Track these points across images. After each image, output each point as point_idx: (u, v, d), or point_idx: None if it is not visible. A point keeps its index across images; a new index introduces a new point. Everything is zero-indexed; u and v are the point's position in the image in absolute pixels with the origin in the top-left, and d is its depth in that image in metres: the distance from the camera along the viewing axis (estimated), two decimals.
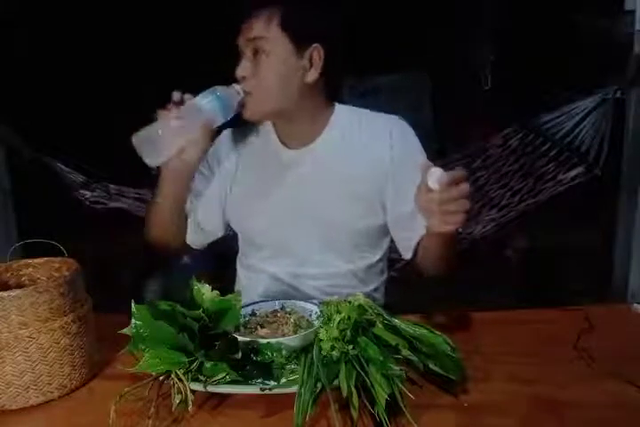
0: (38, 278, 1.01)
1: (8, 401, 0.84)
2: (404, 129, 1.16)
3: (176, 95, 1.03)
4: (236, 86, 1.06)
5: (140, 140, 1.00)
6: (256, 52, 1.05)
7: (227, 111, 1.06)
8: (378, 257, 1.23)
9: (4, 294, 0.81)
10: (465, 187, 0.86)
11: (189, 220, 1.23)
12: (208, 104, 1.03)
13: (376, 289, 1.26)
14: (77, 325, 0.89)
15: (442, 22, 3.78)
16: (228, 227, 1.28)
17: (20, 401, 0.85)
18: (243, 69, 1.06)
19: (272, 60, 1.05)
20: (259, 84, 1.06)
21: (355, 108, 1.20)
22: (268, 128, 1.21)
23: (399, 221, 1.16)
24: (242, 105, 1.08)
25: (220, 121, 1.06)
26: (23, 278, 1.00)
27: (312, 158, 1.16)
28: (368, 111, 1.20)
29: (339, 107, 1.18)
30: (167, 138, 1.02)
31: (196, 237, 1.25)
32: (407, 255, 1.18)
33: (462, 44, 3.85)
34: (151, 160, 1.02)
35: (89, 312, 0.93)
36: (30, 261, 1.01)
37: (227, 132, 1.26)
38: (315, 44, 1.06)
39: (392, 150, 1.13)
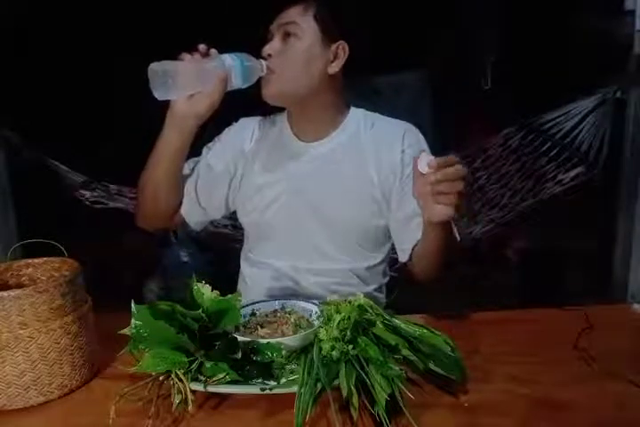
0: (38, 278, 1.01)
1: (8, 401, 0.84)
2: (416, 135, 1.20)
3: (202, 46, 1.05)
4: (263, 62, 1.09)
5: (154, 70, 1.00)
6: (286, 36, 1.10)
7: (245, 78, 1.06)
8: (380, 258, 1.25)
9: (4, 293, 0.81)
10: (456, 168, 0.86)
11: (187, 188, 1.22)
12: (231, 64, 1.04)
13: (378, 289, 1.27)
14: (77, 325, 0.89)
15: (442, 22, 3.78)
16: (227, 210, 1.28)
17: (20, 401, 0.85)
18: (271, 47, 1.10)
19: (300, 44, 1.10)
20: (283, 63, 1.10)
21: (369, 111, 1.24)
22: (283, 121, 1.24)
23: (400, 222, 1.17)
24: (260, 84, 1.11)
25: (235, 85, 1.06)
26: (23, 278, 1.00)
27: (322, 153, 1.18)
28: (381, 115, 1.23)
29: (354, 109, 1.22)
30: (180, 77, 1.01)
31: (192, 211, 1.24)
32: (404, 258, 1.19)
33: (462, 44, 3.84)
34: (159, 94, 1.01)
35: (89, 312, 0.93)
36: (30, 261, 1.01)
37: (243, 120, 1.29)
38: (341, 41, 1.12)
39: (403, 154, 1.16)
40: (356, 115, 1.21)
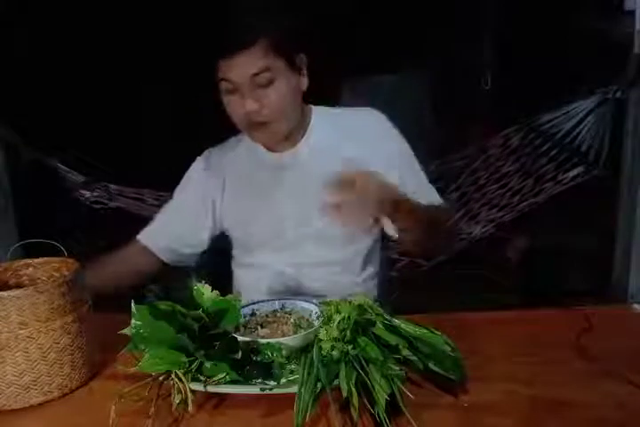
0: (38, 278, 1.01)
1: (8, 401, 0.84)
2: (378, 118, 1.22)
3: None
4: None
5: None
6: (260, 85, 1.05)
7: None
8: (368, 244, 1.25)
9: (4, 293, 0.81)
10: None
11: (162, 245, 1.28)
12: None
13: (371, 278, 1.27)
14: (77, 325, 0.89)
15: (441, 22, 3.78)
16: (212, 241, 1.30)
17: (20, 401, 0.85)
18: (251, 105, 1.06)
19: (280, 87, 1.07)
20: (274, 112, 1.08)
21: (328, 107, 1.25)
22: (246, 138, 1.22)
23: None
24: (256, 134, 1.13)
25: None
26: (23, 278, 1.00)
27: (299, 160, 1.20)
28: (342, 109, 1.25)
29: (315, 108, 1.23)
30: None
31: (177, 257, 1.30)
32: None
33: (462, 44, 3.84)
34: None
35: (89, 312, 0.93)
36: (30, 261, 1.01)
37: (206, 153, 1.30)
38: (300, 54, 1.11)
39: (372, 133, 1.19)
40: (320, 114, 1.22)
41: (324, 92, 1.20)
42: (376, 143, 1.18)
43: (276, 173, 1.21)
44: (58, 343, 0.86)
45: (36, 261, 1.01)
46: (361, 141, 1.18)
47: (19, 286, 0.98)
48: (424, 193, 1.19)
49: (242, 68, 1.04)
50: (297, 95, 1.13)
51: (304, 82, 1.13)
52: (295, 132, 1.19)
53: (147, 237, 1.29)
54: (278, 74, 1.06)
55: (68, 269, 0.96)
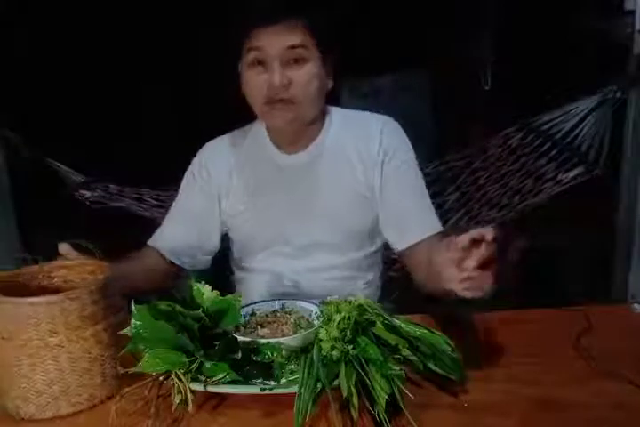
0: (71, 281, 0.97)
1: (37, 411, 0.82)
2: (392, 125, 1.20)
3: None
4: None
5: None
6: (292, 61, 1.04)
7: None
8: (372, 249, 1.24)
9: (35, 299, 0.78)
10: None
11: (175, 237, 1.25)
12: None
13: (373, 282, 1.27)
14: (109, 333, 0.86)
15: (442, 22, 3.78)
16: (220, 236, 1.28)
17: (49, 411, 0.82)
18: (280, 78, 1.03)
19: (311, 70, 1.06)
20: (301, 92, 1.06)
21: (343, 109, 1.23)
22: (258, 133, 1.21)
23: (389, 217, 1.18)
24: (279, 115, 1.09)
25: None
26: (55, 280, 0.97)
27: (309, 162, 1.18)
28: (355, 111, 1.23)
29: (330, 109, 1.21)
30: None
31: (197, 261, 1.27)
32: (396, 248, 1.20)
33: (462, 44, 3.84)
34: None
35: (124, 321, 0.87)
36: (64, 263, 0.97)
37: (214, 142, 1.27)
38: (333, 53, 1.10)
39: (381, 146, 1.16)
40: (335, 116, 1.20)
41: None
42: (383, 147, 1.17)
43: (287, 174, 1.18)
44: (89, 353, 0.83)
45: (70, 263, 0.97)
46: (368, 145, 1.17)
47: (50, 288, 0.94)
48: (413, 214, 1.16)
49: (279, 37, 1.02)
50: (323, 89, 1.11)
51: (330, 82, 1.13)
52: (313, 130, 1.17)
53: (156, 241, 1.25)
54: (312, 58, 1.05)
55: (102, 272, 0.92)
